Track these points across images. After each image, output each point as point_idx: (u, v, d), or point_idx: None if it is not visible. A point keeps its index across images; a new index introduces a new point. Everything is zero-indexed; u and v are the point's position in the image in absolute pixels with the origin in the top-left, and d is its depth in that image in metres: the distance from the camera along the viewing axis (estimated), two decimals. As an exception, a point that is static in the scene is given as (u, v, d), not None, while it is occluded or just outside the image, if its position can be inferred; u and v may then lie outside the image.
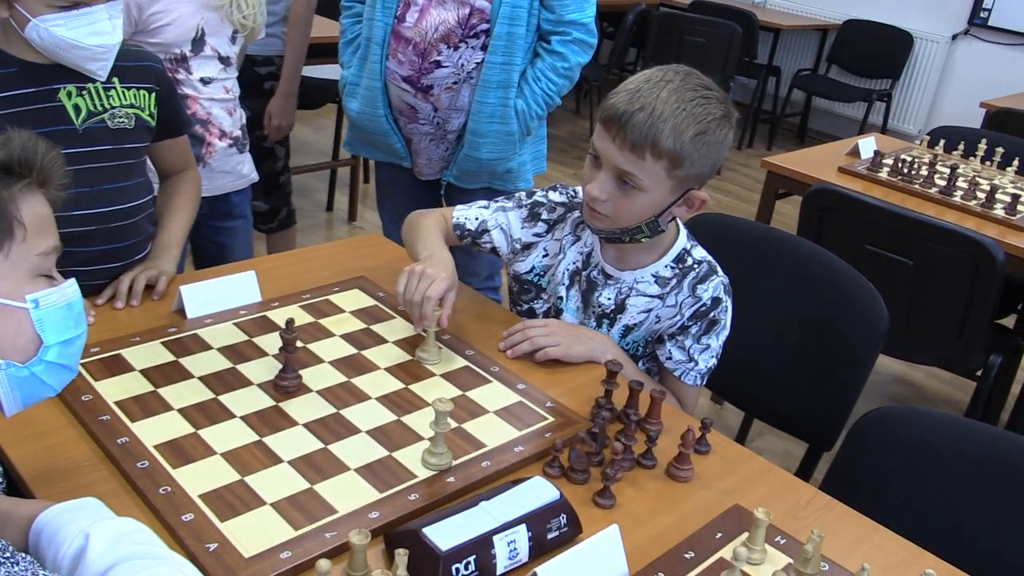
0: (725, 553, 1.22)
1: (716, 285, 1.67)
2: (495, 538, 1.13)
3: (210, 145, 2.26)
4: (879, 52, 6.30)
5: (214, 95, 2.24)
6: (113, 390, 1.42)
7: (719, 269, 1.69)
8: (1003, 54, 5.96)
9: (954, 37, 6.17)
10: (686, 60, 5.56)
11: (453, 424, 1.41)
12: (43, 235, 0.95)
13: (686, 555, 1.21)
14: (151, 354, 1.52)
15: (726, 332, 1.70)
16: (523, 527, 1.15)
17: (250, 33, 2.29)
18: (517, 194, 1.85)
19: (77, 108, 1.66)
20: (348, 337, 1.65)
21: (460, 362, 1.61)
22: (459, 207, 1.86)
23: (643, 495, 1.34)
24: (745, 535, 1.24)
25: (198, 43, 2.17)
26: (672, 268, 1.68)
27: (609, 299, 1.72)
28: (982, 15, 6.01)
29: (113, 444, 1.30)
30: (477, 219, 1.82)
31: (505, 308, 1.92)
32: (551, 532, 1.18)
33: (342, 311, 1.74)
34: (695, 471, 1.39)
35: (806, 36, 6.77)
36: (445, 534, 1.11)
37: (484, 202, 1.86)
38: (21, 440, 1.32)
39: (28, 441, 1.32)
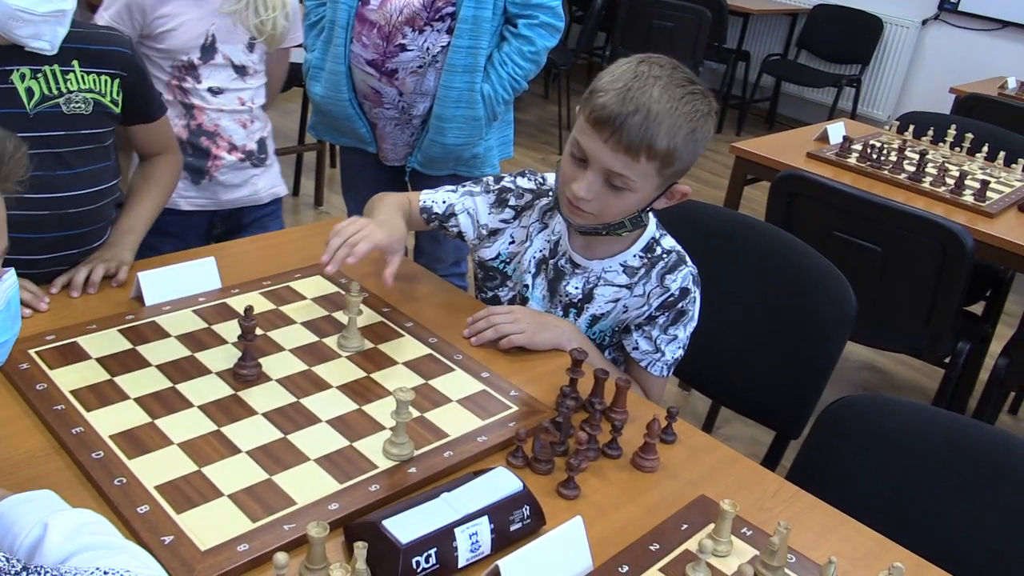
0: (691, 545, 1.21)
1: (685, 275, 1.66)
2: (457, 530, 1.12)
3: (216, 158, 2.11)
4: (849, 37, 6.32)
5: (224, 106, 2.09)
6: (68, 379, 1.39)
7: (688, 259, 1.69)
8: (973, 39, 6.01)
9: (924, 22, 6.21)
10: (655, 45, 5.56)
11: (415, 413, 1.39)
12: None
13: (651, 547, 1.20)
14: (108, 342, 1.49)
15: (694, 323, 1.69)
16: (485, 519, 1.14)
17: (270, 39, 2.07)
18: (485, 179, 1.83)
19: (30, 91, 1.61)
20: (309, 324, 1.62)
21: (423, 350, 1.59)
22: (426, 191, 1.83)
23: (608, 486, 1.33)
24: (711, 527, 1.23)
25: (208, 50, 2.02)
26: (640, 258, 1.67)
27: (576, 288, 1.71)
28: (952, 0, 6.04)
29: (67, 434, 1.27)
30: (444, 203, 1.80)
31: (470, 296, 1.91)
32: (514, 524, 1.17)
33: (303, 298, 1.71)
34: (661, 461, 1.38)
35: (775, 21, 6.78)
36: (405, 526, 1.10)
37: (452, 186, 1.84)
38: (-29, 431, 1.29)
39: (-22, 432, 1.29)
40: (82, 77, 1.67)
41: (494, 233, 1.80)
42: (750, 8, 6.36)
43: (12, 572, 0.81)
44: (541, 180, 1.78)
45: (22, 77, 1.59)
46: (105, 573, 0.86)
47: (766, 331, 1.95)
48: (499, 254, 1.81)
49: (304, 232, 2.09)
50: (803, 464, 1.55)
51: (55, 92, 1.64)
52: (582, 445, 1.32)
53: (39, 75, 1.61)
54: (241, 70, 2.07)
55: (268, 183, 2.24)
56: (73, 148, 1.68)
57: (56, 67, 1.63)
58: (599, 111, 1.47)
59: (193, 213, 2.13)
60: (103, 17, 2.01)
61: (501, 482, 1.20)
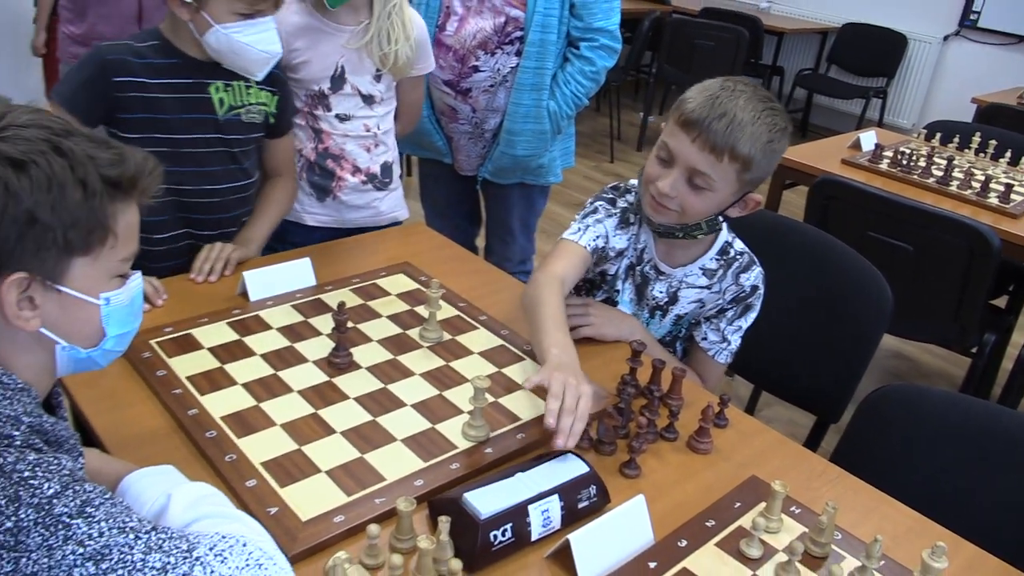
0: (744, 522, 1.17)
1: (757, 275, 1.62)
2: (530, 507, 1.10)
3: (340, 179, 2.02)
4: (875, 52, 6.15)
5: (349, 131, 1.99)
6: (184, 366, 1.40)
7: (756, 260, 1.64)
8: (992, 53, 5.80)
9: (945, 38, 6.00)
10: (697, 62, 5.46)
11: (490, 399, 1.37)
12: (129, 242, 0.93)
13: (707, 523, 1.17)
14: (218, 333, 1.50)
15: (755, 316, 1.65)
16: (556, 497, 1.12)
17: (396, 70, 1.96)
18: (598, 203, 1.66)
19: (221, 101, 1.73)
20: (394, 318, 1.61)
21: (496, 341, 1.57)
22: (570, 235, 1.61)
23: (666, 466, 1.30)
24: (762, 505, 1.20)
25: (337, 81, 1.94)
26: (717, 260, 1.62)
27: (661, 292, 1.65)
28: (972, 17, 5.84)
29: (184, 415, 1.28)
30: (597, 235, 1.62)
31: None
32: (582, 502, 1.14)
33: (388, 294, 1.70)
34: (714, 444, 1.34)
35: (807, 38, 6.62)
36: (484, 502, 1.08)
37: (581, 219, 1.65)
38: (105, 411, 1.30)
39: (111, 412, 1.30)
40: (257, 92, 1.79)
41: (621, 252, 1.67)
42: (784, 27, 6.22)
43: (144, 531, 0.82)
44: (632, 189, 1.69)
45: (216, 89, 1.73)
46: (223, 537, 0.87)
47: (807, 323, 1.89)
48: (616, 272, 1.71)
49: (386, 235, 2.08)
50: (845, 448, 1.50)
51: (239, 103, 1.76)
52: (642, 429, 1.29)
53: (229, 88, 1.74)
54: (368, 99, 1.99)
55: (390, 206, 2.13)
56: (244, 149, 1.81)
57: (241, 83, 1.76)
58: (688, 113, 1.44)
59: (316, 228, 2.07)
60: None
61: (570, 465, 1.18)
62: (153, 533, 0.82)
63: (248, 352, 1.45)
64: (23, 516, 0.77)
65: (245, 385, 1.36)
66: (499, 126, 2.30)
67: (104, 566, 0.78)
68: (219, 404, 1.31)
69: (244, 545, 0.87)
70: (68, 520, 0.78)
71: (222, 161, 1.78)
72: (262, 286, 1.64)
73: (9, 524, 0.77)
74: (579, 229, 1.62)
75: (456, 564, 1.00)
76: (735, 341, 1.65)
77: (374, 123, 2.02)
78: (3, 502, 0.77)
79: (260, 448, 1.23)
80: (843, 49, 6.34)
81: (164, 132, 1.68)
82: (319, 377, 1.40)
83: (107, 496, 0.83)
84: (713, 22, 5.78)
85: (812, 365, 1.88)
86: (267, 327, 1.54)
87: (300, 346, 1.49)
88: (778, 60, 6.54)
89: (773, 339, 1.94)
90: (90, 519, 0.79)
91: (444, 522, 1.03)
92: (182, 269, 1.73)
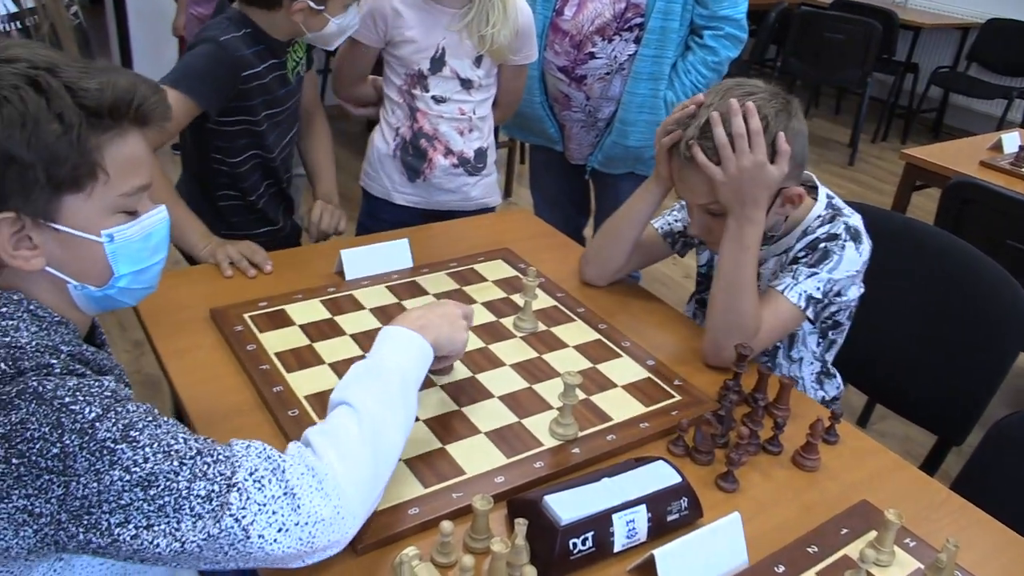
0: (850, 551, 1.05)
1: (836, 224, 1.44)
2: (615, 516, 1.01)
3: (431, 161, 1.97)
4: (1021, 50, 5.68)
5: (444, 113, 1.94)
6: (274, 342, 1.37)
7: (851, 218, 1.46)
8: None
9: (1102, 36, 5.49)
10: (825, 57, 5.17)
11: (581, 396, 1.29)
12: (129, 176, 0.89)
13: (809, 549, 1.05)
14: (310, 311, 1.47)
15: (839, 270, 1.41)
16: (643, 507, 1.02)
17: (494, 51, 1.90)
18: None
19: (291, 69, 1.81)
20: (489, 305, 1.55)
21: (593, 335, 1.48)
22: (654, 220, 1.65)
23: (767, 482, 1.18)
24: (872, 534, 1.07)
25: (437, 63, 1.90)
26: (784, 253, 1.50)
27: None
28: None
29: (269, 392, 1.25)
30: (676, 220, 1.65)
31: (641, 286, 1.77)
32: (671, 514, 1.04)
33: (485, 280, 1.64)
34: (822, 461, 1.22)
35: (946, 34, 6.19)
36: (566, 507, 1.00)
37: (672, 209, 1.68)
38: (193, 382, 1.29)
39: (199, 384, 1.29)
40: (300, 46, 1.85)
41: (704, 241, 1.61)
42: (922, 22, 5.83)
43: (188, 455, 0.83)
44: None
45: (288, 61, 1.80)
46: (268, 458, 0.89)
47: (933, 334, 1.72)
48: (708, 260, 1.66)
49: (488, 220, 2.01)
50: (970, 476, 1.34)
51: (295, 63, 1.84)
52: (743, 439, 1.18)
53: (288, 55, 1.80)
54: (466, 83, 1.93)
55: (481, 192, 2.08)
56: (298, 99, 1.90)
57: (295, 45, 1.83)
58: (675, 160, 1.42)
59: (405, 208, 2.04)
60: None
61: (661, 473, 1.08)
62: (198, 457, 0.83)
63: (338, 331, 1.41)
64: (68, 442, 0.77)
65: (332, 365, 1.32)
66: (613, 115, 2.20)
67: (152, 492, 0.79)
68: (305, 383, 1.28)
69: (284, 472, 0.87)
70: (112, 445, 0.79)
71: (293, 118, 1.89)
72: (359, 265, 1.60)
73: (56, 450, 0.77)
74: (662, 215, 1.64)
75: (531, 571, 0.92)
76: (808, 284, 1.40)
77: (470, 108, 1.97)
78: (47, 429, 0.77)
79: (341, 431, 1.18)
80: (985, 46, 5.89)
81: (271, 108, 1.76)
82: (407, 361, 1.35)
83: (150, 418, 0.83)
84: (845, 14, 5.46)
85: (936, 380, 1.71)
86: (360, 307, 1.49)
87: (391, 328, 1.43)
88: (913, 56, 6.14)
89: (893, 348, 1.78)
90: (134, 443, 0.80)
91: (521, 525, 0.95)
92: (270, 223, 1.91)
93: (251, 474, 0.85)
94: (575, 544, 0.98)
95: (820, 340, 1.58)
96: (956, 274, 1.71)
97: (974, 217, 2.35)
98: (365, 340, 1.39)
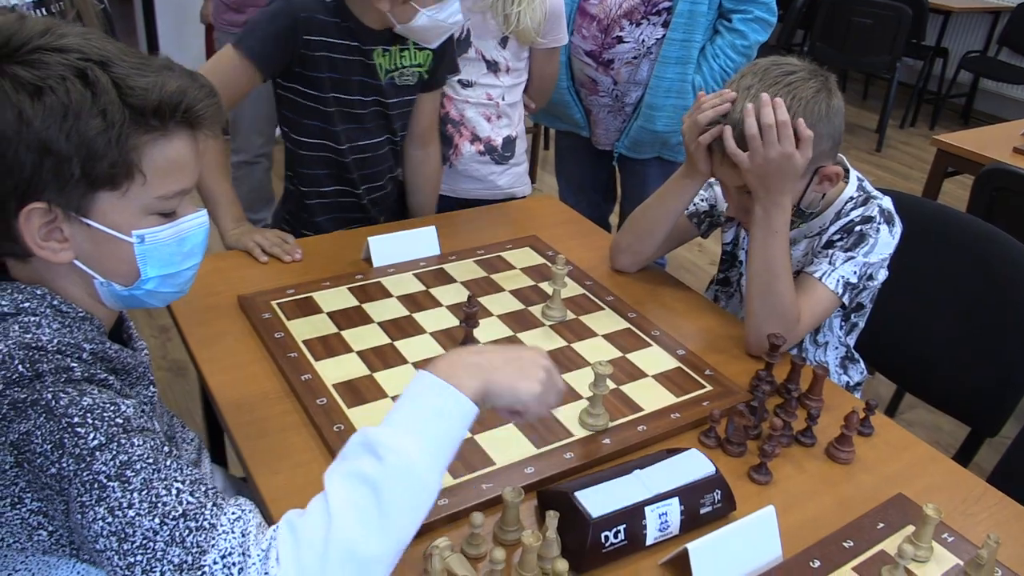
0: (887, 546, 1.02)
1: (870, 206, 1.42)
2: (647, 509, 0.99)
3: (457, 147, 1.96)
4: (1055, 35, 5.55)
5: (470, 98, 1.93)
6: (303, 329, 1.36)
7: (880, 197, 1.45)
8: None
9: None
10: (853, 41, 5.05)
11: (612, 386, 1.27)
12: (169, 178, 0.86)
13: (845, 543, 1.02)
14: (338, 298, 1.46)
15: (875, 254, 1.39)
16: (676, 500, 1.00)
17: (520, 33, 1.86)
18: None
19: (380, 66, 1.69)
20: (517, 293, 1.53)
21: (622, 324, 1.46)
22: None
23: (801, 474, 1.16)
24: (910, 529, 1.04)
25: (462, 43, 1.88)
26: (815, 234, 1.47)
27: None
28: None
29: (297, 380, 1.24)
30: (702, 199, 1.63)
31: (669, 273, 1.74)
32: (704, 507, 1.02)
33: (513, 268, 1.62)
34: (856, 453, 1.19)
35: (977, 18, 6.06)
36: (597, 500, 0.98)
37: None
38: (221, 369, 1.28)
39: (227, 371, 1.28)
40: (414, 54, 1.73)
41: (731, 219, 1.62)
42: (951, 6, 5.71)
43: (173, 515, 0.75)
44: None
45: (377, 55, 1.68)
46: (242, 552, 0.75)
47: (966, 322, 1.68)
48: (733, 238, 1.64)
49: (515, 206, 1.99)
50: (1008, 468, 1.31)
51: (393, 67, 1.72)
52: (776, 431, 1.15)
53: (387, 53, 1.69)
54: (493, 65, 1.91)
55: (508, 182, 2.04)
56: (396, 112, 1.77)
57: (397, 48, 1.70)
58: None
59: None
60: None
61: (694, 464, 1.05)
62: (181, 520, 0.75)
63: (366, 319, 1.40)
64: (64, 465, 0.75)
65: (360, 353, 1.31)
66: (640, 99, 2.16)
67: (126, 547, 0.74)
68: (333, 371, 1.26)
69: (264, 561, 0.75)
70: (105, 480, 0.75)
71: (376, 121, 1.75)
72: (386, 252, 1.59)
73: (53, 470, 0.75)
74: None
75: (562, 564, 0.90)
76: (844, 270, 1.38)
77: (498, 93, 1.94)
78: (48, 447, 0.76)
79: (369, 420, 1.16)
80: (1017, 30, 5.76)
81: (338, 92, 1.67)
82: (436, 350, 1.33)
83: (150, 459, 0.77)
84: (873, -1, 5.37)
85: (967, 369, 1.67)
86: (388, 295, 1.48)
87: (419, 316, 1.42)
88: (942, 41, 6.02)
89: (925, 337, 1.74)
90: (126, 484, 0.75)
91: (552, 517, 0.94)
92: (342, 224, 1.80)
93: (223, 557, 0.75)
94: (607, 537, 0.96)
95: (843, 323, 1.56)
96: (989, 262, 1.66)
97: (1008, 204, 2.29)
98: (392, 328, 1.38)
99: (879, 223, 1.40)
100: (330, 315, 1.40)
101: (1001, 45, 5.90)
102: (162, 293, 0.93)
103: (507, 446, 1.14)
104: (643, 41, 2.08)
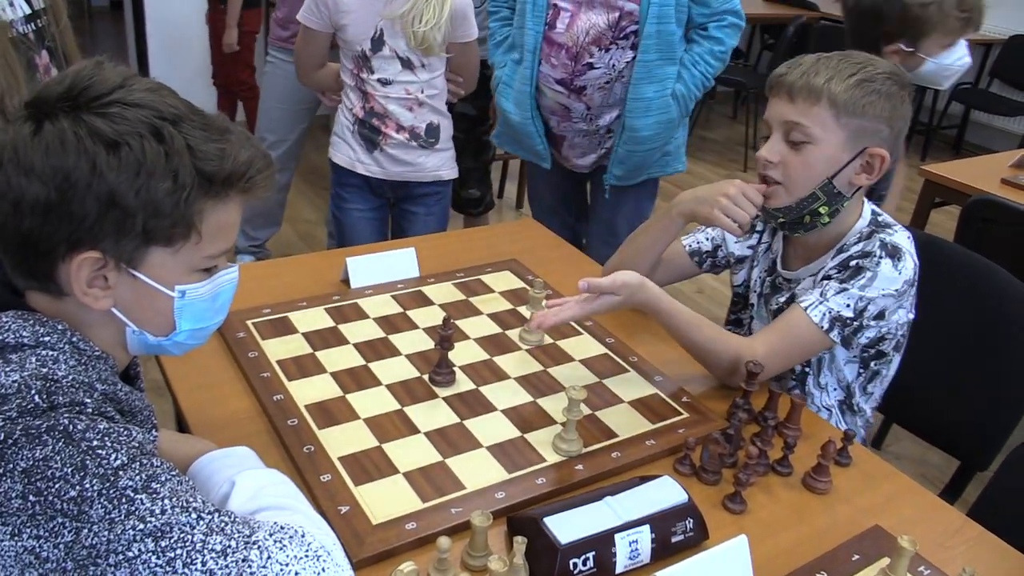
0: (861, 578, 1.02)
1: (872, 240, 1.37)
2: (617, 536, 0.98)
3: (385, 135, 2.16)
4: (1045, 68, 5.62)
5: (390, 94, 2.12)
6: (276, 349, 1.36)
7: (891, 232, 1.39)
8: None
9: None
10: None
11: (586, 411, 1.26)
12: (218, 240, 0.88)
13: (819, 575, 1.02)
14: (314, 319, 1.45)
15: (872, 288, 1.33)
16: (647, 527, 1.00)
17: (426, 49, 2.06)
18: None
19: None
20: (495, 316, 1.52)
21: (600, 349, 1.45)
22: (682, 237, 1.64)
23: (776, 503, 1.15)
24: (885, 561, 1.04)
25: (377, 43, 2.06)
26: (839, 266, 1.40)
27: (780, 301, 1.50)
28: None
29: (269, 400, 1.23)
30: (707, 238, 1.62)
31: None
32: (676, 535, 1.02)
33: (492, 291, 1.61)
34: (833, 484, 1.18)
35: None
36: (566, 527, 0.97)
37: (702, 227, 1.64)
38: (192, 388, 1.28)
39: (198, 390, 1.27)
40: None
41: (740, 261, 1.60)
42: (943, 39, 5.78)
43: (206, 511, 0.78)
44: None
45: None
46: (282, 528, 0.83)
47: (954, 354, 1.68)
48: (744, 281, 1.61)
49: (496, 230, 2.00)
50: (989, 502, 1.31)
51: None
52: (752, 459, 1.15)
53: None
54: (407, 63, 2.08)
55: (434, 165, 2.24)
56: None
57: None
58: (772, 79, 1.40)
59: (367, 177, 2.22)
60: (302, 13, 2.10)
61: (666, 492, 1.05)
62: (216, 515, 0.79)
63: (342, 340, 1.40)
64: (87, 486, 0.75)
65: (334, 374, 1.30)
66: (614, 119, 2.17)
67: (163, 544, 0.75)
68: (305, 391, 1.26)
69: (303, 536, 0.83)
70: (132, 494, 0.76)
71: None
72: (365, 273, 1.59)
73: (73, 493, 0.74)
74: (692, 233, 1.63)
75: (529, 592, 0.89)
76: (836, 303, 1.33)
77: (416, 88, 2.12)
78: (69, 470, 0.75)
79: (340, 441, 1.16)
80: (1008, 62, 5.83)
81: None
82: (410, 372, 1.33)
83: (173, 472, 0.81)
84: (865, 30, 5.42)
85: (957, 402, 1.67)
86: (364, 316, 1.48)
87: (395, 338, 1.42)
88: (934, 73, 6.09)
89: (911, 367, 1.72)
90: (154, 495, 0.76)
91: (520, 543, 0.93)
92: None
93: (271, 535, 0.81)
94: (575, 564, 0.95)
95: (861, 371, 1.48)
96: (979, 293, 1.67)
97: (995, 236, 2.31)
98: (367, 350, 1.38)
99: (879, 257, 1.34)
100: (305, 335, 1.40)
101: (992, 77, 5.98)
102: (187, 344, 0.95)
103: (478, 470, 1.13)
104: (613, 65, 2.08)
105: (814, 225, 1.39)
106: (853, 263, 1.36)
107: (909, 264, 1.36)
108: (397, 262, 1.63)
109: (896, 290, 1.34)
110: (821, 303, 1.34)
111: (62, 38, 1.48)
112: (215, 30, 4.16)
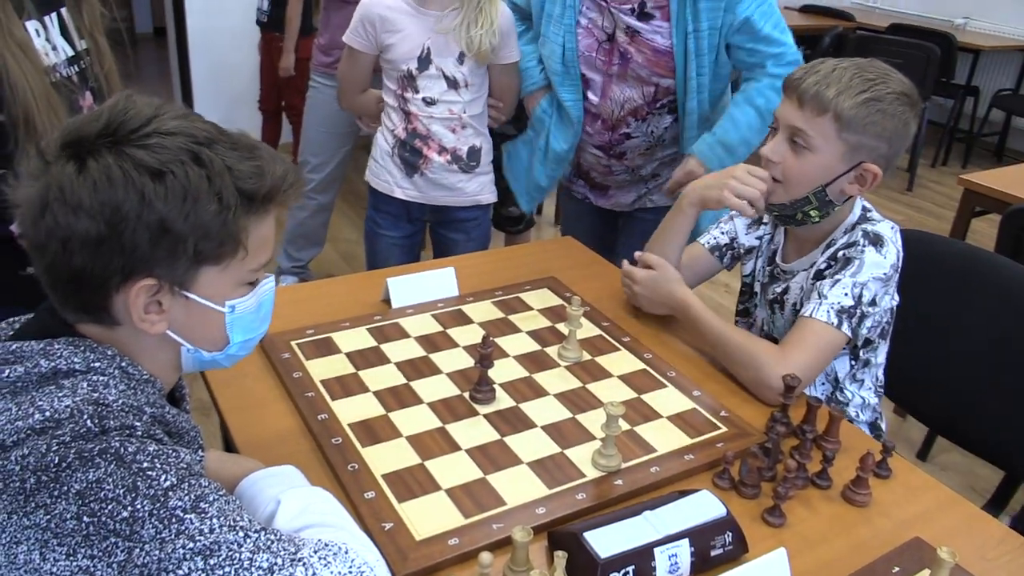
0: (902, 590, 1.02)
1: (855, 232, 1.46)
2: (656, 550, 0.99)
3: (427, 158, 2.13)
4: (1088, 72, 5.52)
5: (435, 114, 2.09)
6: (320, 369, 1.39)
7: (874, 222, 1.47)
8: None
9: None
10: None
11: (625, 426, 1.28)
12: (261, 253, 0.92)
13: (858, 587, 1.02)
14: (357, 339, 1.48)
15: (863, 273, 1.40)
16: (686, 541, 1.01)
17: (480, 54, 2.04)
18: None
19: None
20: (533, 334, 1.55)
21: (638, 364, 1.47)
22: (700, 237, 1.72)
23: (815, 517, 1.16)
24: (926, 573, 1.03)
25: (424, 61, 2.04)
26: (828, 260, 1.49)
27: (777, 291, 1.58)
28: None
29: (314, 419, 1.27)
30: (724, 233, 1.69)
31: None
32: (715, 549, 1.03)
33: (530, 309, 1.64)
34: (873, 496, 1.18)
35: (1008, 56, 6.05)
36: (606, 541, 0.99)
37: (717, 224, 1.73)
38: (239, 408, 1.31)
39: (245, 410, 1.31)
40: None
41: (749, 251, 1.68)
42: (981, 45, 5.71)
43: (253, 530, 0.81)
44: None
45: None
46: (326, 545, 0.86)
47: (999, 365, 1.66)
48: (752, 271, 1.68)
49: (535, 248, 2.03)
50: (1032, 513, 1.29)
51: None
52: (791, 473, 1.15)
53: None
54: (453, 82, 2.08)
55: (474, 189, 2.22)
56: None
57: None
58: (788, 80, 1.44)
59: (405, 202, 2.20)
60: (348, 35, 2.10)
61: (705, 505, 1.06)
62: (262, 533, 0.82)
63: (383, 359, 1.43)
64: (139, 507, 0.77)
65: (376, 393, 1.33)
66: (658, 165, 2.16)
67: (212, 562, 0.78)
68: (349, 410, 1.29)
69: (347, 552, 0.86)
70: (182, 514, 0.78)
71: None
72: (405, 293, 1.62)
73: (125, 514, 0.77)
74: (708, 231, 1.71)
75: (570, 605, 0.91)
76: (835, 296, 1.39)
77: (459, 108, 2.11)
78: (121, 491, 0.77)
79: (383, 459, 1.19)
80: (1049, 68, 5.75)
81: None
82: (451, 390, 1.35)
83: (221, 492, 0.83)
84: (901, 38, 5.38)
85: (1002, 412, 1.65)
86: (405, 335, 1.51)
87: (435, 357, 1.45)
88: (973, 79, 6.02)
89: (956, 379, 1.72)
90: (203, 514, 0.79)
91: (560, 558, 0.94)
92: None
93: (316, 552, 0.84)
94: (615, 578, 0.97)
95: (852, 363, 1.54)
96: (1021, 303, 1.65)
97: (1036, 244, 2.28)
98: (409, 369, 1.40)
99: (863, 245, 1.43)
100: (348, 355, 1.43)
101: (1034, 83, 5.88)
102: (237, 356, 0.98)
103: (519, 486, 1.15)
104: (652, 132, 2.08)
105: (805, 222, 1.48)
106: (840, 254, 1.44)
107: (892, 250, 1.43)
108: (437, 281, 1.66)
109: (884, 274, 1.42)
110: (822, 303, 1.40)
111: (108, 81, 1.52)
112: (268, 56, 4.24)
